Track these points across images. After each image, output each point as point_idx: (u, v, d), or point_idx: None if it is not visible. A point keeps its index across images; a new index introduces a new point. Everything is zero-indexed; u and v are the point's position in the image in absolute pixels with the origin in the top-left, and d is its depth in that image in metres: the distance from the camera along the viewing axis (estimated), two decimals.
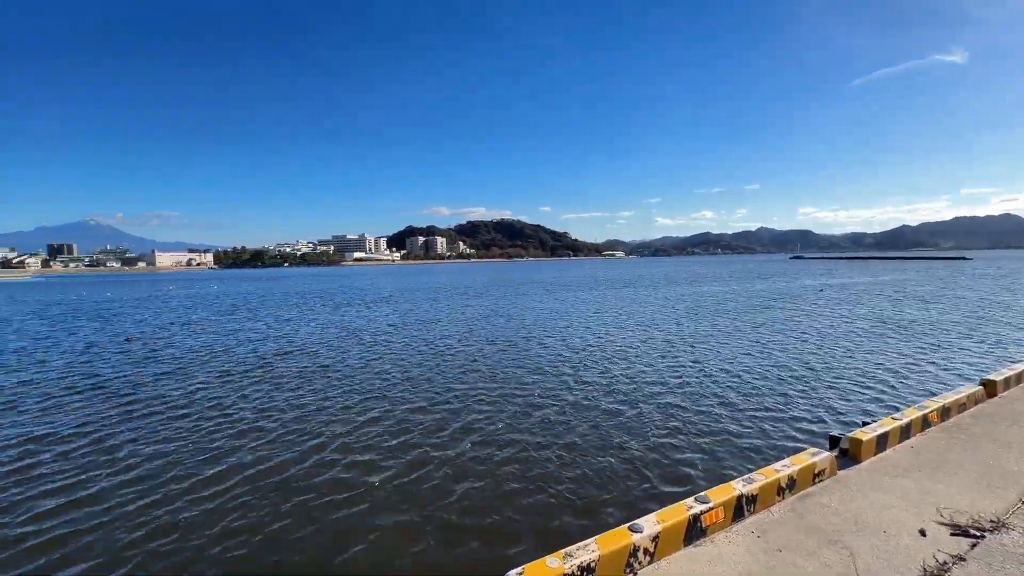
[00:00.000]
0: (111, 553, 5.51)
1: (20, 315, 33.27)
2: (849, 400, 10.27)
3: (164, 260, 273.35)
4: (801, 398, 10.46)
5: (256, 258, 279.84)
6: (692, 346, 16.58)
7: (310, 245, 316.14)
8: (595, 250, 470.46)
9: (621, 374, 12.89)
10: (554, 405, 10.34)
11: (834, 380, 11.78)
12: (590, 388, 11.59)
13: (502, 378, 12.75)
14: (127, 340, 20.74)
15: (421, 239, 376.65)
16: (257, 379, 13.27)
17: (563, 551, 3.58)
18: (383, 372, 13.83)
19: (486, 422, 9.37)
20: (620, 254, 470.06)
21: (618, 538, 3.72)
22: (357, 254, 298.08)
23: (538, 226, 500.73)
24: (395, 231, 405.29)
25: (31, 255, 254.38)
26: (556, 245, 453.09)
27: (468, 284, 61.16)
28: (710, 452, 7.80)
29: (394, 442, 8.50)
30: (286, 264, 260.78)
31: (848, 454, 5.58)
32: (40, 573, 5.21)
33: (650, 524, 3.91)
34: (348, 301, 39.20)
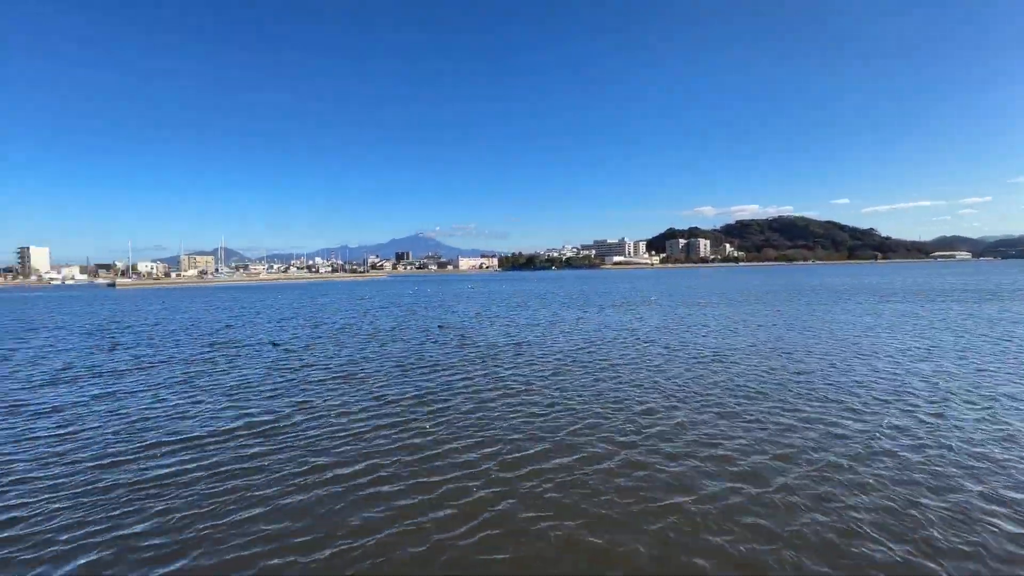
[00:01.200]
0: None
1: (384, 305, 46.46)
2: None
3: (464, 264, 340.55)
4: None
5: (530, 262, 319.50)
6: None
7: (574, 250, 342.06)
8: (918, 250, 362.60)
9: (987, 418, 9.50)
10: (904, 442, 8.42)
11: None
12: (952, 430, 9.01)
13: (809, 398, 11.14)
14: (440, 327, 26.47)
15: (682, 241, 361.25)
16: (553, 369, 14.99)
17: None
18: (658, 375, 13.93)
19: (805, 447, 8.32)
20: (963, 255, 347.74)
21: None
22: (616, 258, 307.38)
23: (830, 223, 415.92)
24: (655, 234, 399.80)
25: (386, 260, 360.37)
26: (856, 245, 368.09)
27: (736, 288, 55.17)
28: None
29: (701, 457, 8.46)
30: (553, 267, 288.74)
31: None
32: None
33: None
34: (614, 303, 40.56)
